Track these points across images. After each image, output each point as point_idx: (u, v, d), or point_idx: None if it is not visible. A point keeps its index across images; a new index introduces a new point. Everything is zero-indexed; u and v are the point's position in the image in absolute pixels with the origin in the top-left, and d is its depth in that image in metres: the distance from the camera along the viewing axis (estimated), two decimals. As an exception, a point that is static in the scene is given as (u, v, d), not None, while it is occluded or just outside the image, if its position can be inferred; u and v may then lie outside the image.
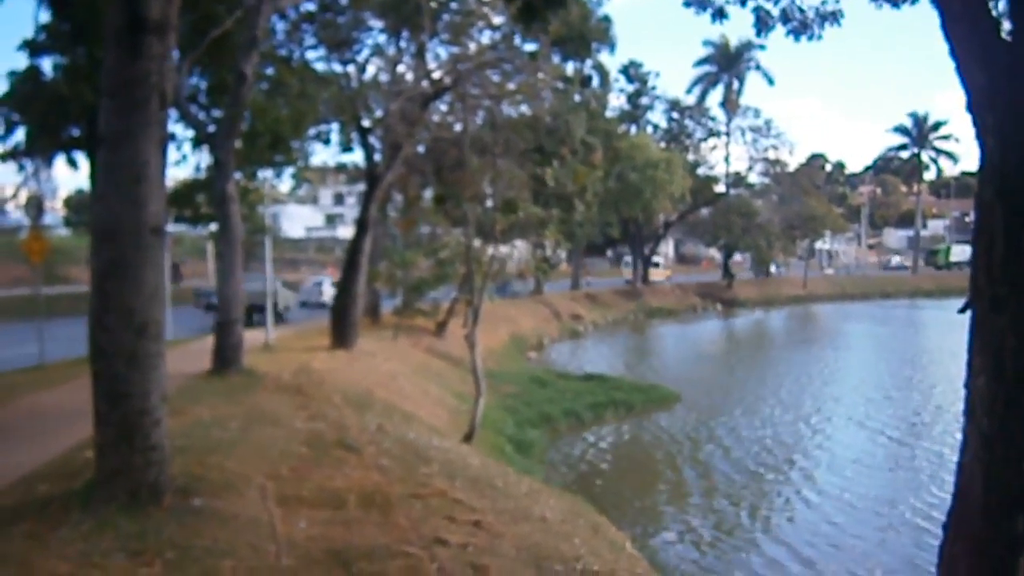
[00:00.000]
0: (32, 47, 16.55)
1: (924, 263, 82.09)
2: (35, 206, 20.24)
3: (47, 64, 17.07)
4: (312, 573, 5.48)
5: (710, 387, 27.18)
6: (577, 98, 35.95)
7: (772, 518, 14.44)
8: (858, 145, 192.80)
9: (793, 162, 63.76)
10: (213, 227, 20.44)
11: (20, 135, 18.03)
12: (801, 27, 8.06)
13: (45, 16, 16.21)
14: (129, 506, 6.15)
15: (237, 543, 5.82)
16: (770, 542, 13.17)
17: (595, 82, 44.39)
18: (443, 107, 23.08)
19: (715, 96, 60.23)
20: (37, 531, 5.78)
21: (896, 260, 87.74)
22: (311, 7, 21.03)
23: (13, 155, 18.12)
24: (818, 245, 74.27)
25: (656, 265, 64.78)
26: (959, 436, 4.37)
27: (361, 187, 26.12)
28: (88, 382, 6.52)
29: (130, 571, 5.20)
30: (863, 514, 14.38)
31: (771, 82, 63.24)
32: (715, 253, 71.03)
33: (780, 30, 8.18)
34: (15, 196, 28.16)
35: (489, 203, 20.39)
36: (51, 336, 16.79)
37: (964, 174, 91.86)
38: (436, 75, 21.56)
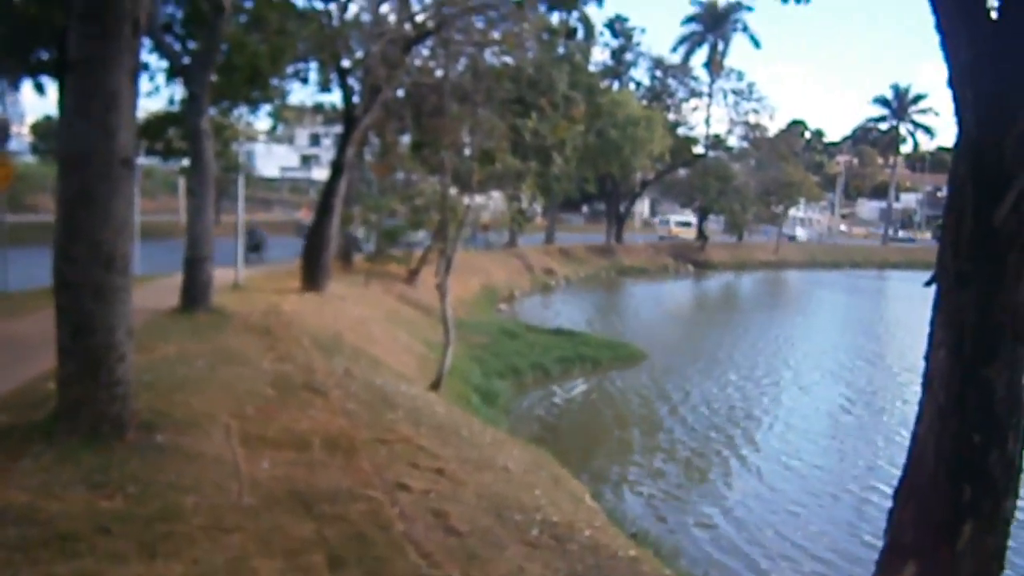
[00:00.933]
0: (0, -35, 15.94)
1: (931, 238, 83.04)
2: (1, 131, 19.76)
3: (16, -16, 16.48)
4: (273, 512, 5.52)
5: (676, 347, 27.52)
6: (561, 50, 35.53)
7: (719, 480, 14.67)
8: (838, 114, 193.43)
9: (773, 127, 64.04)
10: (185, 162, 20.08)
11: (-14, 56, 17.47)
12: (790, -11, 7.99)
13: (14, -68, 15.61)
14: (91, 440, 6.13)
15: (200, 480, 5.84)
16: (714, 504, 13.37)
17: (580, 35, 43.87)
18: (425, 52, 22.69)
19: (700, 56, 59.92)
20: (-3, 460, 5.75)
21: (903, 233, 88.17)
22: (294, -60, 20.47)
23: (-22, 77, 17.59)
24: (792, 212, 74.87)
25: (688, 224, 65.18)
26: (904, 408, 4.47)
27: (338, 129, 25.72)
28: (52, 313, 6.44)
29: (91, 503, 5.20)
30: (807, 481, 14.66)
31: (757, 45, 63.36)
32: (690, 214, 71.36)
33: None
34: (-20, 120, 27.41)
35: (467, 152, 20.21)
36: (15, 264, 16.50)
37: (940, 149, 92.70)
38: (419, 18, 21.16)
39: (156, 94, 20.84)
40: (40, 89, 18.29)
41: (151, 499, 5.37)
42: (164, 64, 18.70)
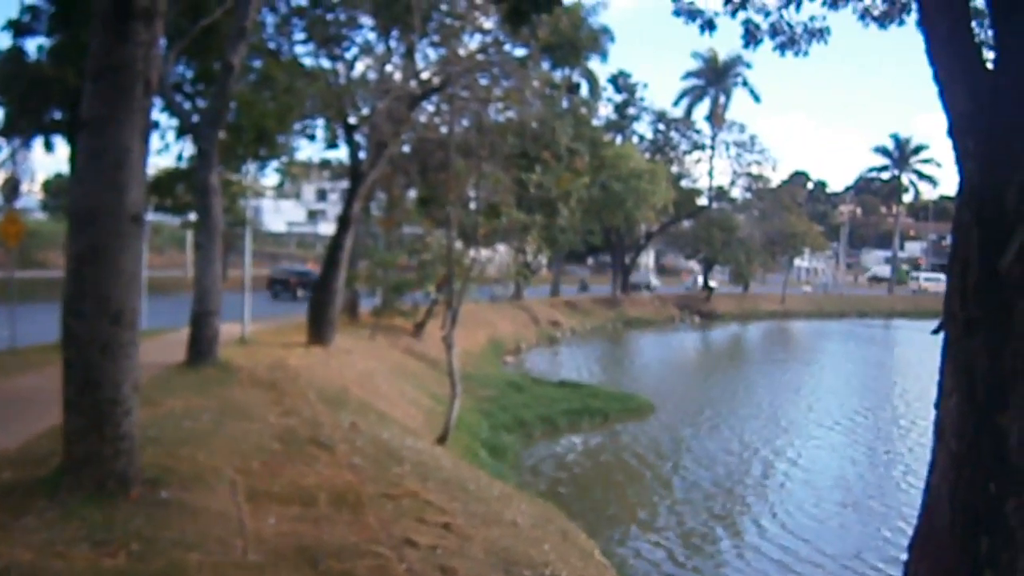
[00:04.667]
0: (16, 27, 16.38)
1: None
2: (11, 188, 20.01)
3: (31, 45, 16.92)
4: (279, 569, 5.44)
5: (684, 399, 27.30)
6: (565, 104, 36.06)
7: (726, 537, 14.31)
8: (840, 164, 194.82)
9: (776, 178, 64.41)
10: (193, 217, 20.28)
11: (-1, 116, 17.83)
12: (789, 42, 8.17)
13: (31, -3, 16.09)
14: (96, 496, 6.08)
15: (204, 537, 5.77)
16: (722, 563, 13.08)
17: (584, 90, 44.54)
18: (430, 108, 23.06)
19: (701, 109, 60.69)
20: (0, 519, 5.69)
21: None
22: (302, 1, 21.00)
23: (-9, 135, 17.91)
24: (796, 262, 74.88)
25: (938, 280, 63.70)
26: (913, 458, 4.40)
27: (345, 184, 26.04)
28: (59, 368, 6.44)
29: (94, 562, 5.13)
30: (817, 536, 14.26)
31: (757, 99, 63.99)
32: (695, 265, 71.51)
33: (768, 44, 8.29)
34: (-8, 177, 27.80)
35: (472, 206, 20.39)
36: (24, 320, 16.57)
37: (943, 198, 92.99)
38: (425, 76, 21.54)
39: (166, 151, 21.11)
40: (50, 147, 18.62)
41: (155, 557, 5.30)
42: (174, 122, 19.07)
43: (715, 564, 12.98)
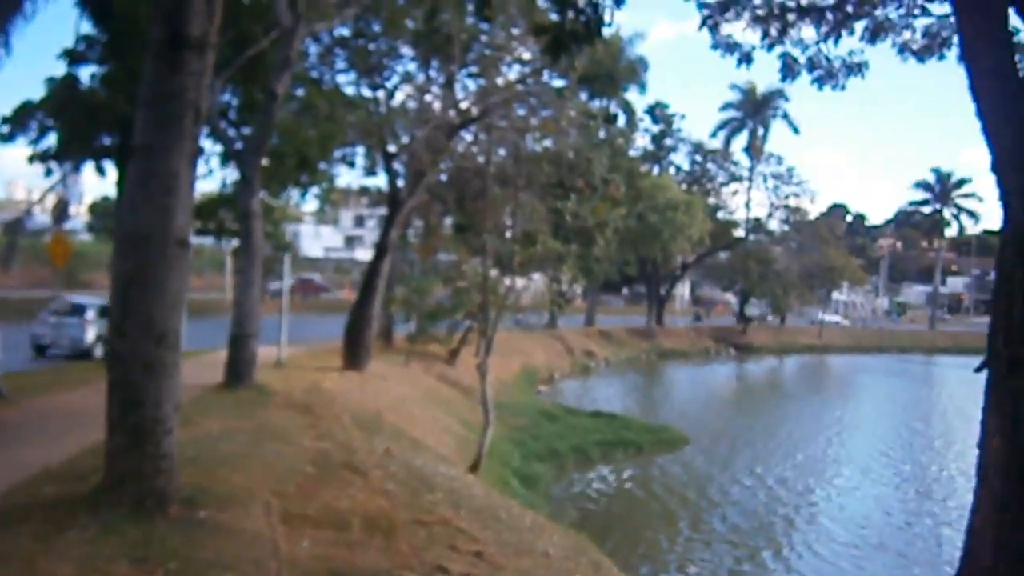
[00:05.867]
0: (71, 56, 16.97)
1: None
2: (60, 210, 20.58)
3: (85, 73, 17.50)
4: (312, 593, 5.47)
5: (719, 432, 26.91)
6: (602, 134, 36.19)
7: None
8: (880, 198, 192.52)
9: (814, 211, 63.75)
10: (235, 242, 20.66)
11: (52, 140, 18.41)
12: (827, 76, 8.19)
13: (86, 27, 16.68)
14: (135, 513, 6.18)
15: (239, 558, 5.82)
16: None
17: (621, 120, 44.68)
18: (468, 137, 23.30)
19: (739, 141, 60.45)
20: (43, 532, 5.81)
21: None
22: (345, 32, 21.47)
23: (43, 158, 18.49)
24: (834, 296, 73.79)
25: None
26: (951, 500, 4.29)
27: (382, 211, 26.33)
28: (102, 386, 6.58)
29: (132, 578, 5.21)
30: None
31: (796, 131, 63.43)
32: (731, 297, 70.84)
33: (805, 78, 8.31)
34: (42, 200, 28.63)
35: (508, 234, 20.48)
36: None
37: (986, 232, 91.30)
38: (463, 105, 21.81)
39: (210, 177, 21.64)
40: (100, 171, 19.14)
41: (191, 576, 5.36)
42: (219, 148, 19.52)
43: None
